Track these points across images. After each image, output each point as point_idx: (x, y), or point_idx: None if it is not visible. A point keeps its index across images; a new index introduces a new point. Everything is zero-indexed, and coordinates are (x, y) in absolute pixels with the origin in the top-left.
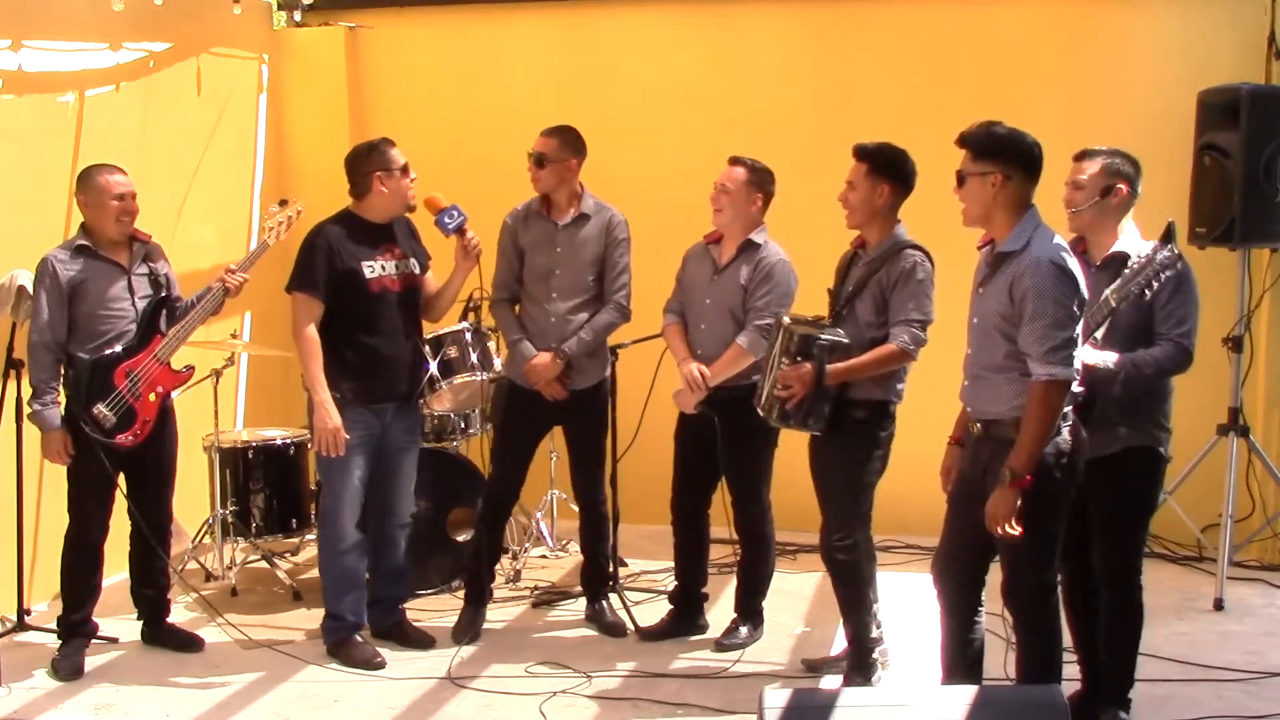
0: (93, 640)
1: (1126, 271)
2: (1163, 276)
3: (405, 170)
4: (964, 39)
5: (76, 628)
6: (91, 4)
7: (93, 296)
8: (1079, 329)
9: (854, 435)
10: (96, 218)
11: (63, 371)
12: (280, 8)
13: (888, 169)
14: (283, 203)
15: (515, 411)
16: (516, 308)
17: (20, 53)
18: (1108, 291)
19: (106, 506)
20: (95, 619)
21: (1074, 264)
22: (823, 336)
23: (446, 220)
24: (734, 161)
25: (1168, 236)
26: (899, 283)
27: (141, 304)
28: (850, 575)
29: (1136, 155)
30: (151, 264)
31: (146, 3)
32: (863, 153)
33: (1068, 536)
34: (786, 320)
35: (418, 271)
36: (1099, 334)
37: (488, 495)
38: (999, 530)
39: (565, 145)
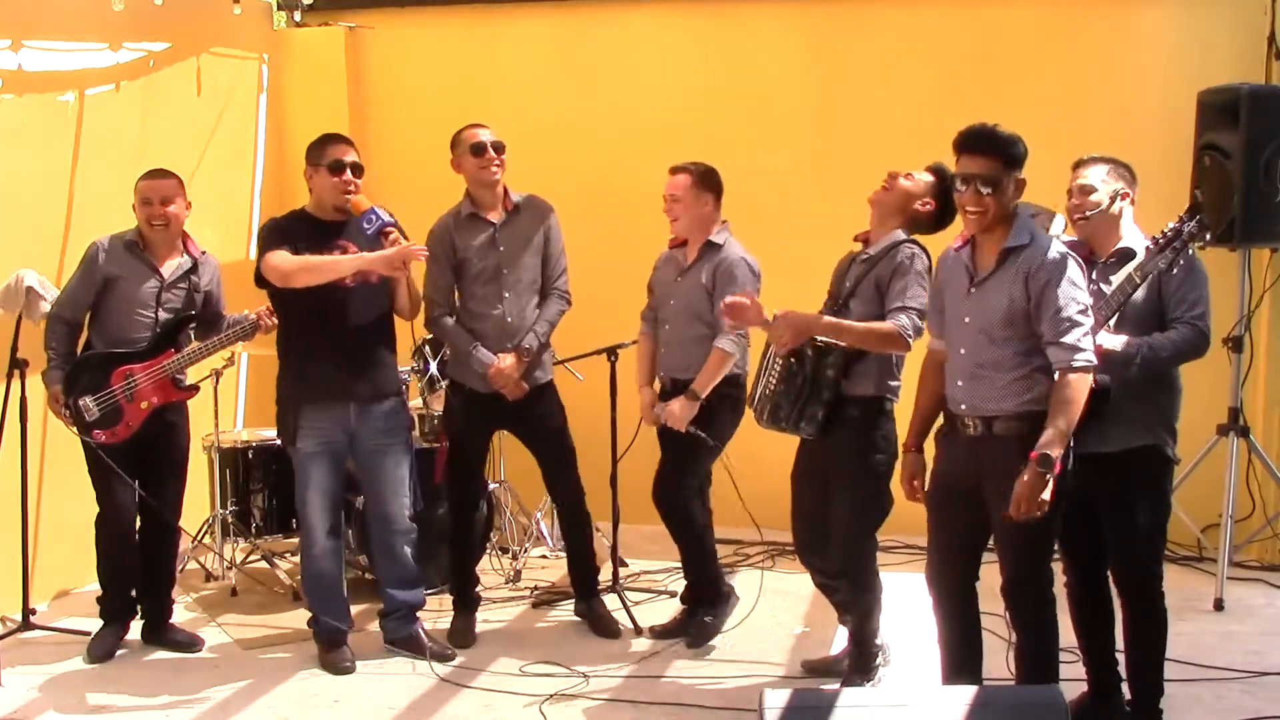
0: (130, 622)
1: (1150, 246)
2: (1190, 250)
3: (337, 169)
4: (964, 40)
5: (113, 613)
6: (91, 4)
7: (120, 295)
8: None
9: (850, 434)
10: (139, 220)
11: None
12: (280, 8)
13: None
14: None
15: (474, 417)
16: (452, 320)
17: (20, 53)
18: (1130, 268)
19: (126, 499)
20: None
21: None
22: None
23: (365, 225)
24: (675, 170)
25: (1194, 210)
26: (895, 273)
27: (166, 316)
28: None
29: (1137, 156)
30: (195, 278)
31: (146, 3)
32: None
33: (1078, 540)
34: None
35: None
36: (1113, 321)
37: (455, 504)
38: (1021, 510)
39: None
